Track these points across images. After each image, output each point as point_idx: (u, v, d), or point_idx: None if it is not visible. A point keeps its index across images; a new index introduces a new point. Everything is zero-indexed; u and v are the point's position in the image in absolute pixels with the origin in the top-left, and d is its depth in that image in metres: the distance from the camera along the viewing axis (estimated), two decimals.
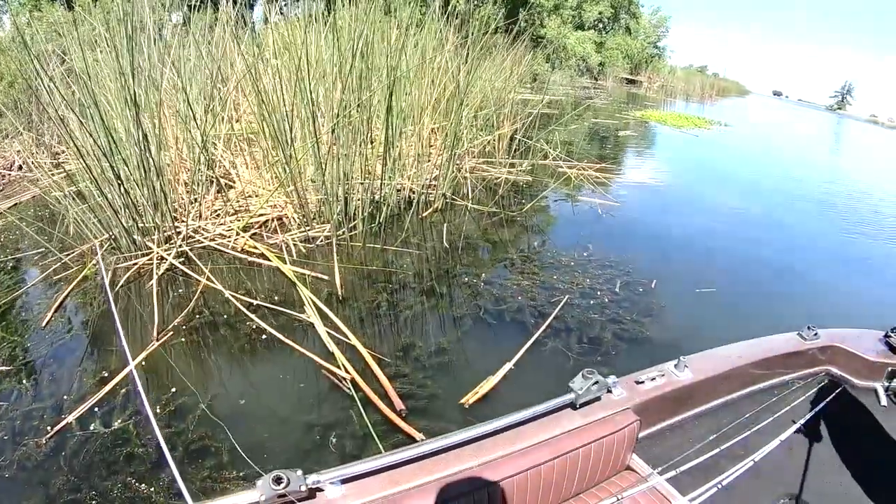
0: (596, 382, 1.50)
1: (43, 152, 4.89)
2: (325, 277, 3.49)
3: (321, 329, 2.82)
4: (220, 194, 4.15)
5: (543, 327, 3.10)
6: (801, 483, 1.77)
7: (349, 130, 3.99)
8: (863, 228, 7.34)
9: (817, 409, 1.98)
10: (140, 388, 1.82)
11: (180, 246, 3.54)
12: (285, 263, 3.50)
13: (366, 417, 2.26)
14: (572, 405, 1.51)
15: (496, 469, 1.31)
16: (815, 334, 2.09)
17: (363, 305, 3.32)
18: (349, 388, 2.43)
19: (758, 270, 4.97)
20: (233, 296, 3.09)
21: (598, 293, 3.67)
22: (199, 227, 3.83)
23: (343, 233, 4.10)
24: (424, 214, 4.93)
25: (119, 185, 3.29)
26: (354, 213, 4.25)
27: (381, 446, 2.14)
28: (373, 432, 2.19)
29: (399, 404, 2.34)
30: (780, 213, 7.58)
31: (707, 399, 1.89)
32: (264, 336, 2.83)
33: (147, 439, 2.11)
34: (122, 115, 3.46)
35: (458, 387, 2.54)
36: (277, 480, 1.06)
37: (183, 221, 3.75)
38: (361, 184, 4.22)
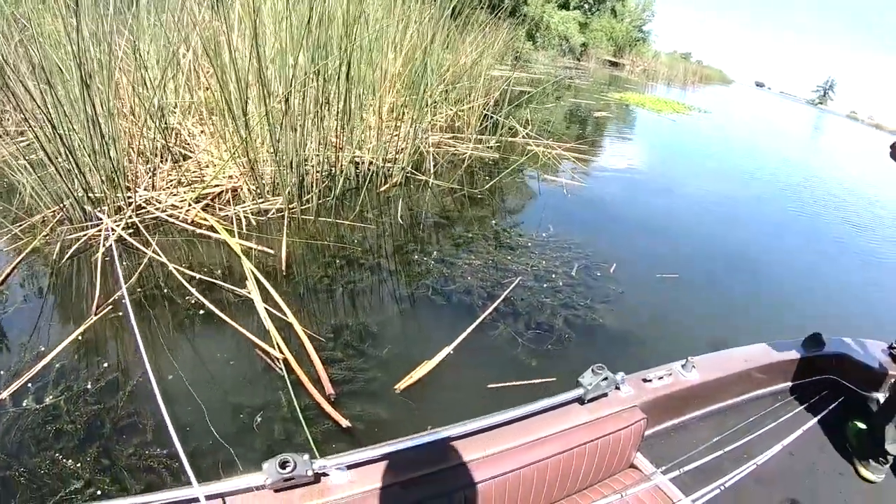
0: (605, 378, 1.49)
1: (7, 120, 4.76)
2: (272, 252, 3.35)
3: (259, 306, 2.69)
4: (176, 164, 3.97)
5: (489, 311, 2.99)
6: (803, 489, 1.76)
7: (305, 99, 3.79)
8: (825, 212, 7.59)
9: (821, 415, 2.02)
10: (148, 367, 1.78)
11: (130, 217, 3.39)
12: (233, 236, 3.35)
13: (295, 400, 2.15)
14: (580, 400, 1.50)
15: (503, 461, 1.30)
16: (821, 342, 2.09)
17: (307, 282, 3.19)
18: (281, 369, 2.32)
19: (721, 256, 4.95)
20: (176, 269, 2.95)
21: (553, 276, 3.55)
22: (152, 197, 3.66)
23: (295, 206, 3.93)
24: (382, 189, 4.75)
25: (67, 153, 3.12)
26: (309, 186, 4.08)
27: (307, 431, 2.04)
28: (301, 416, 2.09)
29: (329, 388, 2.24)
30: (748, 200, 7.57)
31: (713, 400, 1.91)
32: (202, 311, 2.70)
33: (76, 415, 2.02)
34: (73, 81, 3.36)
35: (395, 371, 2.44)
36: (283, 464, 1.05)
37: (136, 191, 3.59)
38: (317, 155, 4.04)
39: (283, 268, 3.21)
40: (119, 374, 2.26)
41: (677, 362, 1.80)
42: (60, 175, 3.16)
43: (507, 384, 2.50)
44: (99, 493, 1.77)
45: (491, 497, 1.27)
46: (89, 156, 3.28)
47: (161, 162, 3.94)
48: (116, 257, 2.99)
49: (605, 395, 1.55)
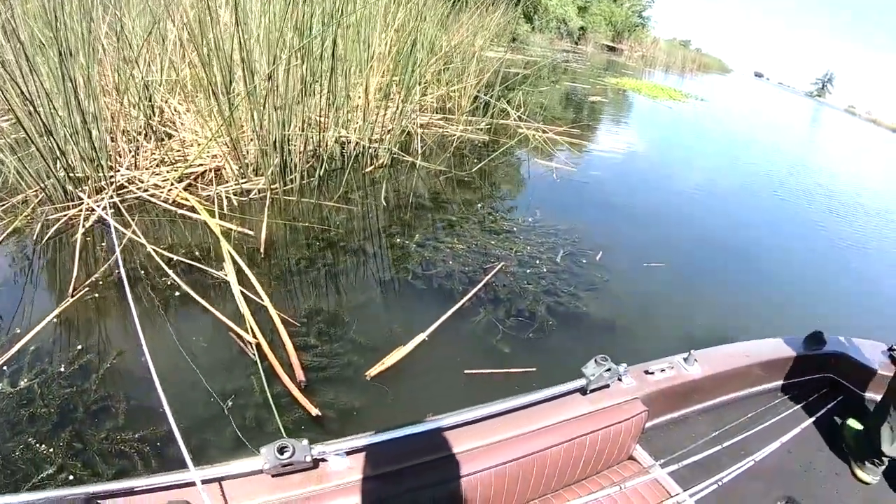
0: (608, 369, 1.47)
1: None
2: (252, 233, 3.27)
3: (235, 289, 2.63)
4: (160, 143, 3.87)
5: (467, 297, 2.92)
6: (799, 486, 1.75)
7: (289, 78, 3.67)
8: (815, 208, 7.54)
9: (818, 414, 2.00)
10: (146, 352, 1.75)
11: (111, 197, 3.31)
12: (213, 217, 3.28)
13: (267, 387, 2.10)
14: (582, 390, 1.48)
15: (503, 451, 1.28)
16: (823, 340, 2.09)
17: (286, 264, 3.11)
18: (254, 354, 2.27)
19: (710, 245, 4.86)
20: (155, 250, 2.89)
21: (537, 262, 3.46)
22: (134, 177, 3.57)
23: (276, 187, 3.83)
24: (368, 170, 4.64)
25: (47, 132, 3.02)
26: (293, 166, 3.97)
27: (278, 420, 2.01)
28: (272, 403, 2.05)
29: (300, 375, 2.19)
30: (738, 190, 7.42)
31: (713, 395, 1.90)
32: (177, 293, 2.65)
33: (49, 399, 1.98)
34: (51, 58, 3.27)
35: (369, 357, 2.40)
36: (282, 450, 1.04)
37: (118, 171, 3.50)
38: (300, 135, 3.92)
39: (263, 250, 3.14)
40: (91, 356, 2.21)
41: (679, 355, 1.78)
42: (41, 155, 3.11)
43: (485, 371, 2.45)
44: (70, 477, 1.74)
45: (490, 486, 1.26)
46: (71, 136, 3.22)
47: (145, 140, 3.85)
48: (115, 237, 2.95)
49: (608, 386, 1.53)
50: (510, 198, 4.87)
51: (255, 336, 2.39)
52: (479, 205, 4.38)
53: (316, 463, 1.11)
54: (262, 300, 2.63)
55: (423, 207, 4.22)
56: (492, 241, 3.65)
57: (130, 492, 0.99)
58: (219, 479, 1.04)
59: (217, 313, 2.51)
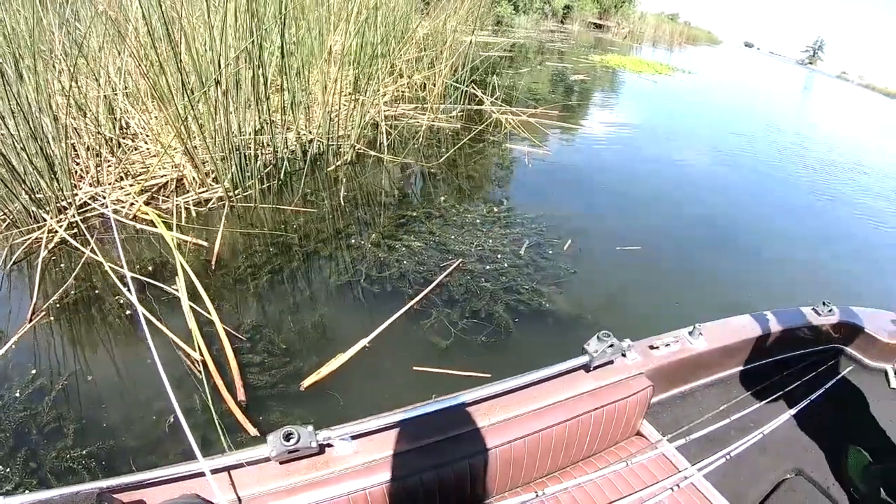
0: (611, 345, 1.47)
1: None
2: (207, 244, 3.25)
3: (185, 305, 2.61)
4: (122, 156, 3.86)
5: (416, 300, 2.85)
6: (808, 459, 1.75)
7: (238, 81, 3.62)
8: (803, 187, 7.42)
9: (827, 385, 1.97)
10: (161, 370, 1.85)
11: (73, 216, 3.32)
12: (170, 230, 3.26)
13: (211, 406, 2.10)
14: (585, 367, 1.49)
15: (507, 430, 1.29)
16: (830, 310, 2.06)
17: (237, 275, 3.07)
18: (200, 372, 2.27)
19: (688, 226, 4.73)
20: (111, 268, 2.88)
21: (499, 257, 3.37)
22: (97, 193, 3.57)
23: (233, 194, 3.78)
24: (330, 169, 4.55)
25: (3, 159, 3.01)
26: (254, 171, 3.92)
27: (223, 438, 2.01)
28: (217, 422, 2.06)
29: (241, 394, 2.18)
30: (721, 166, 7.18)
31: (719, 368, 1.92)
32: (129, 312, 2.65)
33: (6, 424, 2.04)
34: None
35: (314, 368, 2.39)
36: (288, 437, 1.06)
37: (79, 188, 3.52)
38: (256, 139, 3.86)
39: (215, 262, 3.11)
40: (44, 379, 2.27)
41: (684, 329, 1.77)
42: (2, 180, 3.21)
43: (433, 370, 2.44)
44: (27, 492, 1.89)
45: (496, 465, 1.27)
46: (30, 158, 3.28)
47: (109, 154, 3.83)
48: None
49: (611, 362, 1.54)
50: (477, 187, 4.73)
51: (201, 354, 2.38)
52: (443, 197, 4.26)
53: (322, 448, 1.15)
54: (210, 315, 2.61)
55: (385, 205, 4.12)
56: (452, 236, 3.56)
57: (141, 484, 1.02)
58: (228, 469, 1.07)
59: (166, 330, 2.50)
